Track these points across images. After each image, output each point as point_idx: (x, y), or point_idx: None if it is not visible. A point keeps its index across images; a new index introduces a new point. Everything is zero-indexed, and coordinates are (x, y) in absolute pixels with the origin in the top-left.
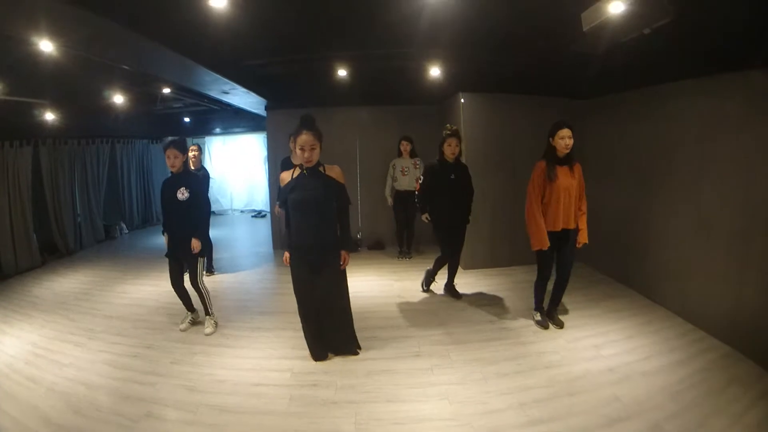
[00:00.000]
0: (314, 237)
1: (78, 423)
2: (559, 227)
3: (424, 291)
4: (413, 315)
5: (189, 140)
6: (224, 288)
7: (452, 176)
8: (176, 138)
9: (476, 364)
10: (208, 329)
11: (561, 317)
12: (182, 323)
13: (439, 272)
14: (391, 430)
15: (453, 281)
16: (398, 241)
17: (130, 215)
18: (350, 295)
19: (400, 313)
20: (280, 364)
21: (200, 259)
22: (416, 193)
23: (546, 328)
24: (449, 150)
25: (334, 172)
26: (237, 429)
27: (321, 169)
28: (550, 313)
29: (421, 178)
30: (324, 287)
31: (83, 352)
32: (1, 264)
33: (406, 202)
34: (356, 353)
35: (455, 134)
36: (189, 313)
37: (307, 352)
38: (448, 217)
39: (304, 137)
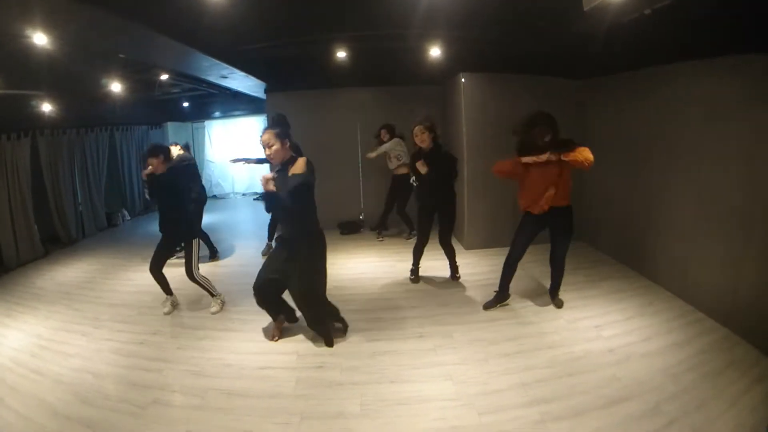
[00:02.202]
0: (283, 230)
1: (86, 413)
2: (536, 211)
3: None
4: (416, 295)
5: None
6: (228, 272)
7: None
8: (150, 147)
9: (478, 344)
10: (214, 308)
11: (561, 297)
12: (164, 307)
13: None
14: (396, 410)
15: (455, 265)
16: (379, 223)
17: (132, 202)
18: (353, 276)
19: (403, 294)
20: (285, 346)
21: (193, 250)
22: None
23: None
24: (416, 140)
25: (296, 166)
26: (245, 412)
27: (290, 166)
28: (551, 294)
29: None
30: (290, 274)
31: (89, 342)
32: (3, 257)
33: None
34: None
35: (423, 124)
36: (168, 297)
37: (311, 334)
38: (420, 201)
39: (263, 136)
